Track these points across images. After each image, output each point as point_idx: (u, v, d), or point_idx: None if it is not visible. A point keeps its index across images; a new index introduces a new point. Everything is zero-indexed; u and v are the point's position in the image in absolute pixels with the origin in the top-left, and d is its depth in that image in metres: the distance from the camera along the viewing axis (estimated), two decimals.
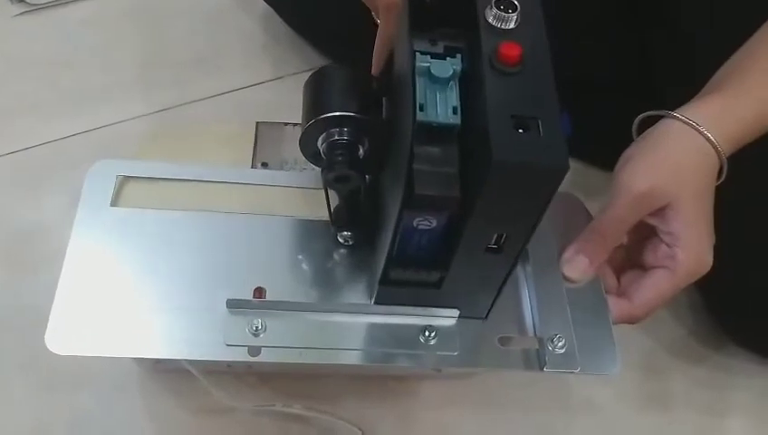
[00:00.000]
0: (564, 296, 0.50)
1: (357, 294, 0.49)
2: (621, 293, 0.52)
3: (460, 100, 0.38)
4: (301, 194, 0.53)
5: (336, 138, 0.45)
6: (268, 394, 0.59)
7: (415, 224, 0.41)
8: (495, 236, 0.41)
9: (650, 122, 0.52)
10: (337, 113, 0.44)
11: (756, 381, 0.67)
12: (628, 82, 0.73)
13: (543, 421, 0.63)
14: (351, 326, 0.48)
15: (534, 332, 0.49)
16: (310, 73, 0.47)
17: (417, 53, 0.39)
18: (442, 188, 0.38)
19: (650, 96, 0.66)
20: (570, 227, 0.52)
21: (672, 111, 0.50)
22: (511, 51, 0.37)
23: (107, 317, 0.46)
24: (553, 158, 0.36)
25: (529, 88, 0.38)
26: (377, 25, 0.47)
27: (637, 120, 0.53)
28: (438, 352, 0.47)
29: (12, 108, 0.75)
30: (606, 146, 0.55)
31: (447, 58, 0.39)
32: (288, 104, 0.53)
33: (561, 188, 0.37)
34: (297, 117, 0.47)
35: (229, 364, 0.57)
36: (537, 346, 0.49)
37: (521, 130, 0.36)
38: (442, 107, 0.38)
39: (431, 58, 0.39)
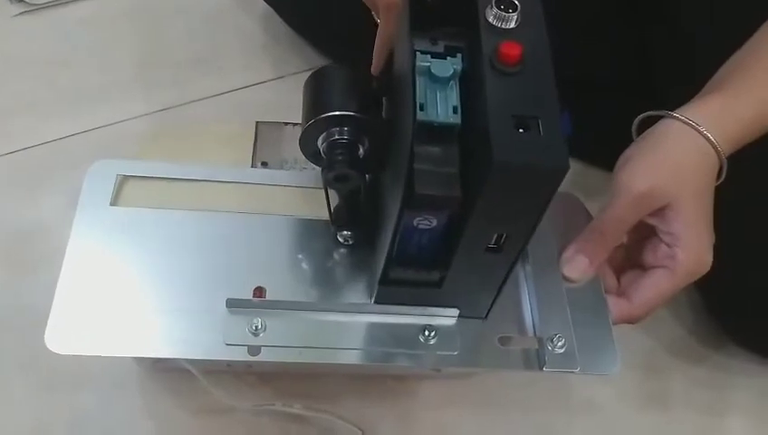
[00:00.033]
0: (564, 296, 0.50)
1: (357, 293, 0.49)
2: (621, 293, 0.52)
3: (460, 99, 0.38)
4: (301, 193, 0.53)
5: (336, 137, 0.45)
6: (268, 394, 0.59)
7: (415, 223, 0.41)
8: (495, 236, 0.41)
9: (650, 122, 0.52)
10: (337, 113, 0.44)
11: (756, 381, 0.67)
12: (629, 80, 0.73)
13: (543, 421, 0.63)
14: (351, 326, 0.48)
15: (534, 331, 0.49)
16: (310, 73, 0.47)
17: (418, 53, 0.39)
18: (442, 187, 0.38)
19: (651, 95, 0.66)
20: (570, 227, 0.52)
21: (672, 110, 0.50)
22: (511, 50, 0.37)
23: (106, 316, 0.46)
24: (554, 158, 0.36)
25: (529, 87, 0.38)
26: (377, 25, 0.47)
27: (637, 120, 0.53)
28: (438, 352, 0.47)
29: (10, 107, 0.75)
30: (606, 145, 0.55)
31: (448, 57, 0.39)
32: (288, 104, 0.53)
33: (561, 187, 0.37)
34: (297, 117, 0.47)
35: (229, 364, 0.57)
36: (537, 346, 0.49)
37: (521, 130, 0.36)
38: (442, 106, 0.38)
39: (431, 57, 0.39)
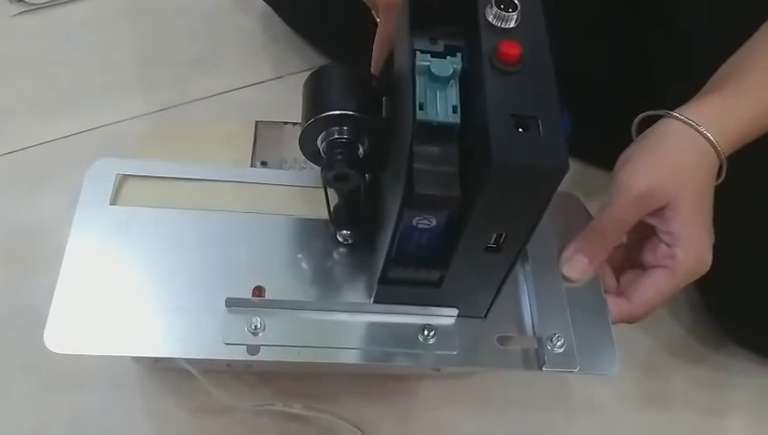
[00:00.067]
0: (564, 296, 0.50)
1: (356, 293, 0.49)
2: (621, 292, 0.52)
3: (460, 99, 0.38)
4: (300, 193, 0.53)
5: (336, 136, 0.45)
6: (267, 394, 0.59)
7: (414, 223, 0.41)
8: (495, 236, 0.41)
9: (650, 122, 0.52)
10: (337, 112, 0.44)
11: (756, 380, 0.67)
12: (627, 79, 0.73)
13: (543, 421, 0.63)
14: (350, 325, 0.48)
15: (533, 331, 0.49)
16: (309, 73, 0.47)
17: (418, 52, 0.39)
18: (442, 187, 0.38)
19: (649, 94, 0.66)
20: (569, 227, 0.52)
21: (671, 110, 0.50)
22: (511, 50, 0.37)
23: (106, 316, 0.46)
24: (553, 157, 0.36)
25: (529, 87, 0.38)
26: (377, 24, 0.47)
27: (636, 120, 0.53)
28: (437, 352, 0.47)
29: (10, 107, 0.75)
30: (605, 145, 0.55)
31: (447, 57, 0.39)
32: (287, 104, 0.53)
33: (561, 187, 0.37)
34: (297, 116, 0.47)
35: (228, 363, 0.57)
36: (536, 346, 0.49)
37: (521, 130, 0.36)
38: (442, 106, 0.38)
39: (431, 57, 0.38)
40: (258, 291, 0.48)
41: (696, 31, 0.64)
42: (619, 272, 0.53)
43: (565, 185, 0.37)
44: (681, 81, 0.55)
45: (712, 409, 0.66)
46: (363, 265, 0.50)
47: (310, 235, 0.51)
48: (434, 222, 0.41)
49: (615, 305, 0.51)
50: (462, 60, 0.39)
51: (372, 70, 0.48)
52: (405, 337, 0.47)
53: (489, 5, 0.39)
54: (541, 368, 0.48)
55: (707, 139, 0.49)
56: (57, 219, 0.65)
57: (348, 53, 0.48)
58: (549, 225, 0.50)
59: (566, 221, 0.53)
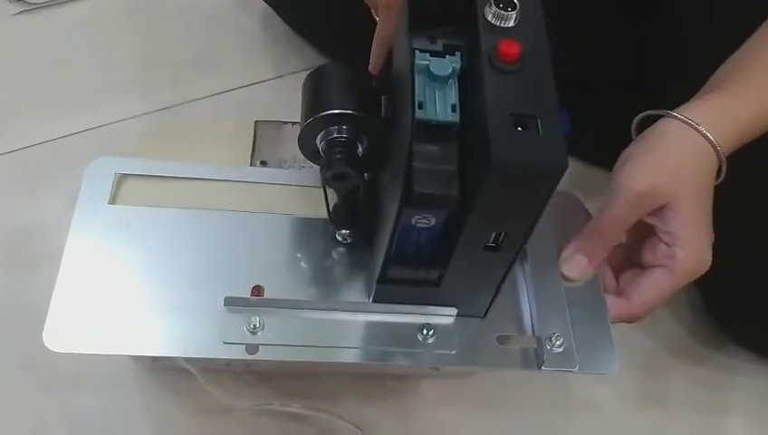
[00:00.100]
0: (563, 295, 0.50)
1: (355, 292, 0.49)
2: (620, 292, 0.52)
3: (459, 98, 0.38)
4: (299, 192, 0.53)
5: (335, 135, 0.45)
6: (267, 393, 0.59)
7: (413, 222, 0.41)
8: (494, 235, 0.41)
9: (649, 121, 0.52)
10: (336, 111, 0.44)
11: (756, 380, 0.67)
12: (628, 79, 0.73)
13: (542, 420, 0.63)
14: (349, 324, 0.48)
15: (533, 330, 0.49)
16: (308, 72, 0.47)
17: (417, 51, 0.39)
18: (441, 186, 0.38)
19: (650, 94, 0.66)
20: (569, 227, 0.52)
21: (671, 109, 0.50)
22: (510, 49, 0.37)
23: (105, 315, 0.46)
24: (552, 156, 0.36)
25: (528, 86, 0.38)
26: (376, 23, 0.47)
27: (636, 120, 0.53)
28: (436, 351, 0.47)
29: (10, 107, 0.75)
30: (605, 144, 0.55)
31: (447, 56, 0.39)
32: (287, 103, 0.53)
33: (561, 187, 0.37)
34: (296, 116, 0.47)
35: (227, 362, 0.57)
36: (535, 345, 0.49)
37: (520, 129, 0.36)
38: (441, 105, 0.38)
39: (430, 56, 0.39)
40: (257, 290, 0.48)
41: (697, 31, 0.64)
42: (618, 271, 0.53)
43: (565, 184, 0.37)
44: (682, 81, 0.55)
45: (712, 409, 0.66)
46: (362, 265, 0.50)
47: (309, 234, 0.51)
48: (433, 221, 0.41)
49: (614, 305, 0.51)
50: (461, 59, 0.39)
51: (371, 69, 0.48)
52: (404, 336, 0.47)
53: (488, 4, 0.39)
54: (540, 367, 0.48)
55: (707, 138, 0.49)
56: (57, 219, 0.65)
57: (348, 53, 0.48)
58: (548, 224, 0.50)
59: (565, 221, 0.53)
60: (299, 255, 0.50)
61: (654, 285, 0.50)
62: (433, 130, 0.38)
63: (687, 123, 0.49)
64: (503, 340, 0.49)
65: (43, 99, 0.76)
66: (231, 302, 0.46)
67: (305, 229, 0.51)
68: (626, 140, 0.52)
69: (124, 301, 0.46)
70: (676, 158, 0.49)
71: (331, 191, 0.49)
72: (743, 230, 0.59)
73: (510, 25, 0.39)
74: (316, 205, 0.51)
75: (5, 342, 0.60)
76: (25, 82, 0.77)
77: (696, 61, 0.62)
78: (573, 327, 0.49)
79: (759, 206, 0.59)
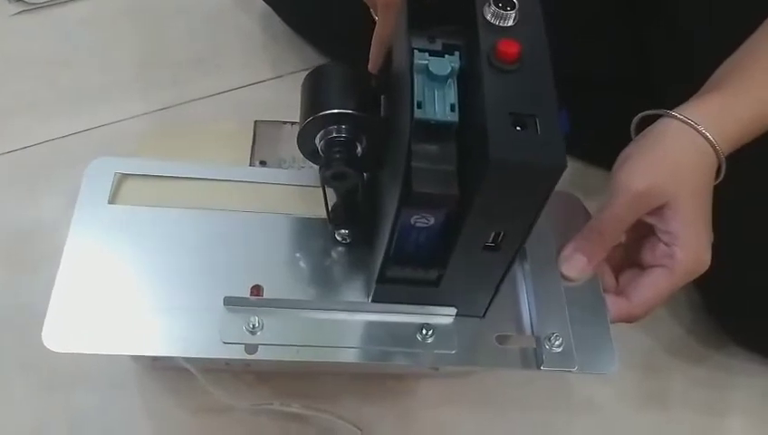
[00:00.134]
0: (562, 295, 0.50)
1: (354, 292, 0.49)
2: (620, 291, 0.52)
3: (458, 97, 0.38)
4: (299, 192, 0.53)
5: (334, 135, 0.45)
6: (266, 393, 0.59)
7: (412, 222, 0.41)
8: (493, 235, 0.41)
9: (649, 121, 0.52)
10: (335, 111, 0.44)
11: (756, 380, 0.67)
12: (627, 79, 0.73)
13: (542, 420, 0.63)
14: (349, 324, 0.48)
15: (532, 330, 0.49)
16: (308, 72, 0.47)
17: (416, 51, 0.39)
18: (440, 185, 0.38)
19: (649, 93, 0.66)
20: (568, 226, 0.52)
21: (671, 109, 0.50)
22: (509, 48, 0.37)
23: (104, 315, 0.46)
24: (551, 156, 0.36)
25: (527, 85, 0.38)
26: (375, 23, 0.47)
27: (635, 119, 0.53)
28: (436, 351, 0.47)
29: (10, 107, 0.75)
30: (604, 144, 0.55)
31: (446, 55, 0.39)
32: (287, 103, 0.53)
33: (560, 186, 0.37)
34: (296, 116, 0.47)
35: (227, 362, 0.57)
36: (535, 345, 0.49)
37: (519, 128, 0.36)
38: (440, 104, 0.38)
39: (429, 55, 0.39)
40: (256, 290, 0.48)
41: (696, 31, 0.64)
42: (618, 271, 0.53)
43: (564, 184, 0.37)
44: (682, 81, 0.55)
45: (712, 409, 0.66)
46: (361, 265, 0.50)
47: (308, 234, 0.51)
48: (432, 221, 0.41)
49: (614, 305, 0.51)
50: (460, 58, 0.39)
51: (370, 68, 0.48)
52: (403, 336, 0.47)
53: (487, 4, 0.39)
54: (539, 367, 0.48)
55: (706, 138, 0.49)
56: (57, 219, 0.65)
57: (348, 53, 0.48)
58: (547, 224, 0.50)
59: (565, 220, 0.53)
60: (298, 254, 0.50)
61: (653, 285, 0.50)
62: (432, 130, 0.38)
63: (687, 123, 0.49)
64: (502, 340, 0.49)
65: (43, 99, 0.76)
66: (230, 302, 0.46)
67: (304, 229, 0.51)
68: (625, 140, 0.52)
69: (124, 301, 0.46)
70: (675, 157, 0.49)
71: (330, 191, 0.49)
72: (743, 230, 0.59)
73: (509, 25, 0.39)
74: (315, 205, 0.51)
75: (5, 342, 0.60)
76: (25, 81, 0.77)
77: (695, 60, 0.62)
78: (573, 327, 0.49)
79: (759, 206, 0.59)
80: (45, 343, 0.44)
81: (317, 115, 0.44)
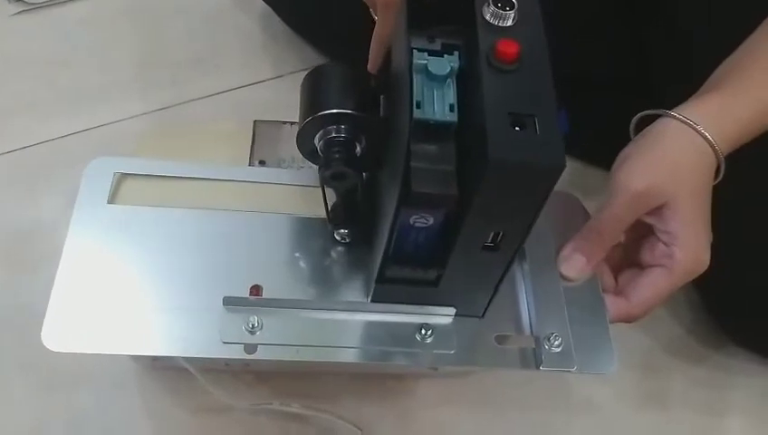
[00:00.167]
0: (561, 295, 0.50)
1: (354, 291, 0.49)
2: (619, 291, 0.52)
3: (457, 97, 0.38)
4: (298, 192, 0.53)
5: (333, 135, 0.45)
6: (266, 393, 0.59)
7: (412, 221, 0.41)
8: (492, 235, 0.41)
9: (648, 121, 0.52)
10: (334, 111, 0.44)
11: (756, 380, 0.67)
12: (626, 79, 0.73)
13: (541, 420, 0.63)
14: (348, 324, 0.48)
15: (531, 330, 0.49)
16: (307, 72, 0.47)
17: (415, 51, 0.39)
18: (439, 185, 0.38)
19: (648, 93, 0.66)
20: (567, 226, 0.52)
21: (670, 109, 0.50)
22: (508, 48, 0.37)
23: (104, 314, 0.46)
24: (550, 156, 0.36)
25: (526, 85, 0.38)
26: (374, 23, 0.47)
27: (634, 119, 0.53)
28: (435, 351, 0.47)
29: (9, 107, 0.75)
30: (603, 144, 0.55)
31: (445, 55, 0.39)
32: (286, 103, 0.53)
33: (559, 186, 0.37)
34: (295, 116, 0.47)
35: (226, 362, 0.57)
36: (534, 345, 0.49)
37: (518, 128, 0.36)
38: (439, 104, 0.38)
39: (428, 55, 0.39)
40: (255, 290, 0.48)
41: (695, 31, 0.64)
42: (617, 271, 0.53)
43: (563, 184, 0.37)
44: (681, 81, 0.55)
45: (711, 409, 0.66)
46: (361, 264, 0.50)
47: (307, 234, 0.51)
48: (431, 221, 0.41)
49: (613, 305, 0.51)
50: (459, 58, 0.39)
51: (369, 68, 0.48)
52: (402, 336, 0.47)
53: (487, 4, 0.39)
54: (538, 367, 0.48)
55: (705, 138, 0.49)
56: (56, 219, 0.65)
57: (347, 53, 0.48)
58: (547, 224, 0.50)
59: (564, 220, 0.53)
60: (297, 254, 0.50)
61: (652, 285, 0.50)
62: (431, 130, 0.38)
63: (686, 123, 0.49)
64: (501, 340, 0.49)
65: (42, 99, 0.76)
66: (230, 301, 0.46)
67: (304, 229, 0.51)
68: (624, 140, 0.52)
69: (123, 301, 0.46)
70: (674, 157, 0.49)
71: (329, 191, 0.49)
72: (743, 230, 0.59)
73: (508, 25, 0.39)
74: (315, 204, 0.51)
75: (5, 342, 0.60)
76: (24, 81, 0.77)
77: (694, 60, 0.62)
78: (572, 327, 0.49)
79: (759, 206, 0.59)
80: (45, 343, 0.44)
81: (316, 115, 0.44)
